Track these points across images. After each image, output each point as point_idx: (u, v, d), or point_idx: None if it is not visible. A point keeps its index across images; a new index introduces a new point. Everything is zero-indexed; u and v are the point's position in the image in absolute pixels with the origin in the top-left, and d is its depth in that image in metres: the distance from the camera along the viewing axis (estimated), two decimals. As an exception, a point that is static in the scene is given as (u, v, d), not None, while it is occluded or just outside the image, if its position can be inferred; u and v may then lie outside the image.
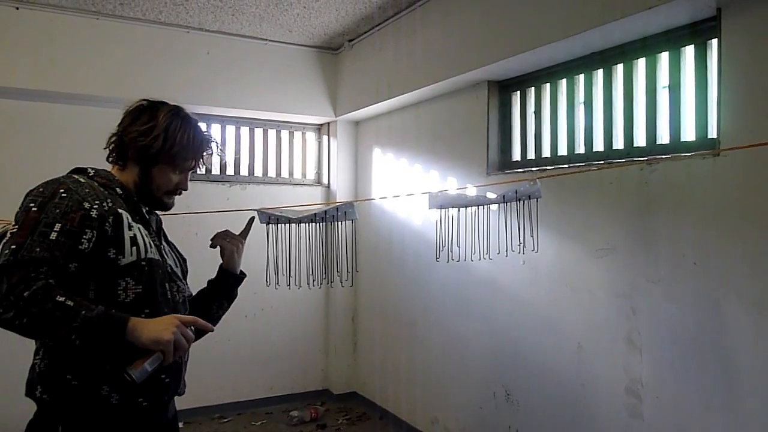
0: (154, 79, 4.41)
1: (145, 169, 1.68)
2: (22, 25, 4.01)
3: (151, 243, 1.64)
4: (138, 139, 1.64)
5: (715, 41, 2.48)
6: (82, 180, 1.58)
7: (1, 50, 3.95)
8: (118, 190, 1.64)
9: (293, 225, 2.47)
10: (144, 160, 1.67)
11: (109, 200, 1.56)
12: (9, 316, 1.32)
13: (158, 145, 1.64)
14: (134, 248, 1.55)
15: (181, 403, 5.17)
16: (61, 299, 1.34)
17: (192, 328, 1.57)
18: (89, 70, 4.21)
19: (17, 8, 3.98)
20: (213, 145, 1.81)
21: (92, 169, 1.69)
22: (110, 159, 1.73)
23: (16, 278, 1.33)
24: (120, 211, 1.56)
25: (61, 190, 1.49)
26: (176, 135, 1.67)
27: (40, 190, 1.51)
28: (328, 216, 2.41)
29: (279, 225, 2.46)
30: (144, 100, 1.74)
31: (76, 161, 4.60)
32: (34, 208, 1.45)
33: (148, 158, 1.66)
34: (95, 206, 1.51)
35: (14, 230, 1.42)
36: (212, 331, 1.73)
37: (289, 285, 2.51)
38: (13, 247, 1.37)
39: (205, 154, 1.79)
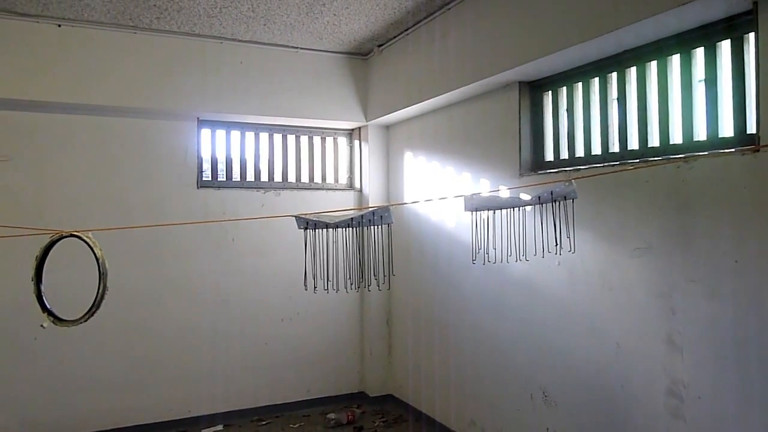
0: (190, 90, 4.53)
1: None
2: (64, 42, 4.16)
3: None
4: None
5: (752, 35, 2.44)
6: None
7: (45, 66, 4.11)
8: None
9: (329, 230, 2.51)
10: None
11: None
12: None
13: None
14: None
15: (220, 406, 5.30)
16: None
17: None
18: (127, 82, 4.34)
19: (59, 26, 4.13)
20: None
21: None
22: None
23: None
24: None
25: None
26: None
27: None
28: (365, 220, 2.44)
29: (315, 231, 2.50)
30: None
31: (112, 170, 4.76)
32: None
33: None
34: None
35: None
36: None
37: (326, 289, 2.55)
38: None
39: None
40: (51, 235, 2.47)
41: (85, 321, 2.44)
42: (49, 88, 4.12)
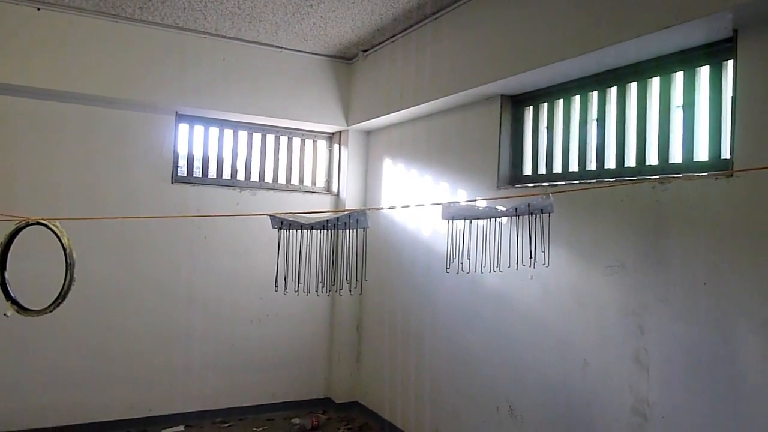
0: (170, 83, 4.46)
1: None
2: (42, 26, 4.06)
3: None
4: None
5: (731, 62, 2.49)
6: None
7: (21, 49, 4.01)
8: None
9: (303, 232, 2.48)
10: None
11: None
12: None
13: None
14: None
15: (182, 406, 5.19)
16: None
17: None
18: (106, 71, 4.26)
19: (38, 9, 4.04)
20: None
21: None
22: None
23: None
24: None
25: None
26: None
27: None
28: (340, 223, 2.42)
29: (289, 232, 2.47)
30: None
31: (86, 160, 4.68)
32: None
33: None
34: None
35: None
36: None
37: (297, 291, 2.52)
38: None
39: None
40: (17, 222, 2.40)
41: (51, 311, 2.37)
42: (24, 72, 4.02)
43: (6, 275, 2.39)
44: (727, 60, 2.54)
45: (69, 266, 2.36)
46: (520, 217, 2.39)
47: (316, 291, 2.52)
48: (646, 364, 2.69)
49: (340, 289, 2.58)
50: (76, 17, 4.15)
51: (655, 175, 2.80)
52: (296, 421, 4.71)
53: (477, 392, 3.76)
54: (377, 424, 4.82)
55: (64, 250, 2.35)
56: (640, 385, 2.71)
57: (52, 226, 2.38)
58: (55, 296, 2.36)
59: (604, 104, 3.15)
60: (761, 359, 2.26)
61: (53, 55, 4.09)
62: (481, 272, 2.76)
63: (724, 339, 2.39)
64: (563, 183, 3.28)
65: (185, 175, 4.89)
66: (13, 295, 2.38)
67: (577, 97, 3.33)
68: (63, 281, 2.34)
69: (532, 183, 3.55)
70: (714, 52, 2.59)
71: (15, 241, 2.41)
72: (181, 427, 4.63)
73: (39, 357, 4.27)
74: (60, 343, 4.34)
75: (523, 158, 3.70)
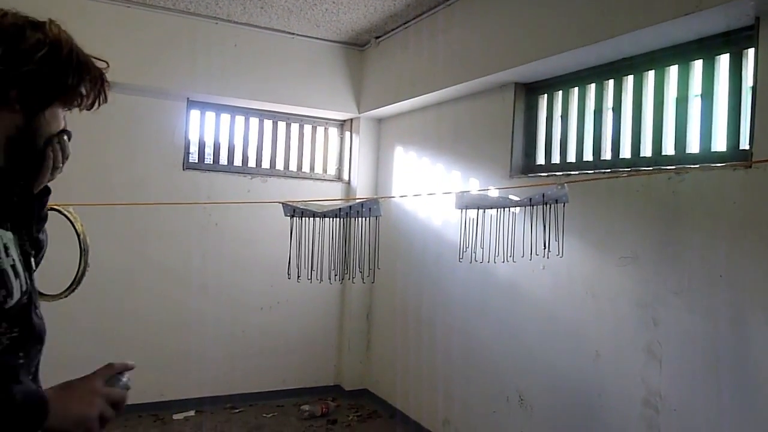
0: (181, 69, 4.45)
1: (34, 114, 1.13)
2: (52, 12, 4.03)
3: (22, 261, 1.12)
4: (41, 70, 1.09)
5: (751, 51, 2.43)
6: None
7: (33, 35, 4.00)
8: None
9: (316, 220, 2.47)
10: (38, 101, 1.13)
11: None
12: None
13: (67, 74, 1.15)
14: (18, 281, 1.06)
15: (193, 391, 5.21)
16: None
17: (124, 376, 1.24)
18: (117, 57, 4.18)
19: (50, -6, 4.02)
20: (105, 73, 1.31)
21: None
22: None
23: None
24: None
25: None
26: (81, 59, 1.20)
27: None
28: (353, 211, 2.41)
29: (302, 219, 2.46)
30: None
31: (96, 146, 4.66)
32: None
33: (46, 96, 1.14)
34: None
35: None
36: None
37: (310, 279, 2.51)
38: None
39: (105, 84, 1.30)
40: (30, 207, 2.40)
41: (65, 297, 2.38)
42: (36, 58, 4.02)
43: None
44: (747, 48, 2.48)
45: (83, 252, 2.36)
46: (534, 206, 2.36)
47: (329, 279, 2.51)
48: (658, 357, 2.66)
49: (353, 278, 2.58)
50: (87, 2, 4.13)
51: (671, 165, 2.76)
52: (306, 407, 4.73)
53: (487, 382, 3.75)
54: (387, 411, 4.84)
55: (78, 236, 2.36)
56: (653, 377, 2.69)
57: (65, 212, 2.38)
58: (69, 282, 2.36)
59: (620, 93, 3.10)
60: (777, 353, 2.23)
61: (65, 41, 4.08)
62: (494, 262, 2.74)
63: (740, 332, 2.36)
64: (577, 172, 3.24)
65: (196, 161, 4.89)
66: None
67: (593, 86, 3.28)
68: (77, 267, 2.35)
69: (545, 172, 3.51)
70: (734, 40, 2.53)
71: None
72: (192, 412, 4.67)
73: (49, 342, 4.30)
74: (70, 328, 4.36)
75: (536, 147, 3.66)
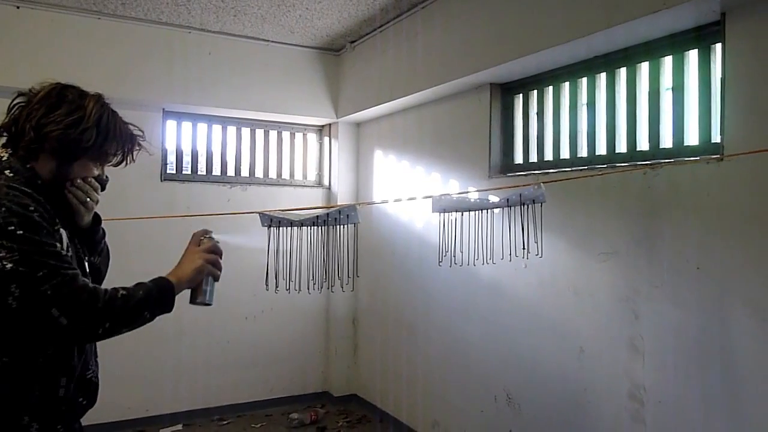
0: (156, 80, 4.41)
1: (65, 163, 1.51)
2: (23, 25, 3.99)
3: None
4: (66, 132, 1.47)
5: (719, 45, 2.47)
6: (14, 185, 1.40)
7: (1, 49, 3.94)
8: (37, 191, 1.45)
9: (294, 228, 2.46)
10: (66, 154, 1.50)
11: (40, 208, 1.40)
12: (107, 327, 1.43)
13: (89, 139, 1.50)
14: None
15: (179, 404, 5.14)
16: (123, 293, 1.48)
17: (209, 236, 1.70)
18: (89, 69, 4.18)
19: (18, 7, 3.97)
20: (139, 139, 1.71)
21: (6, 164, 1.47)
22: (14, 151, 1.50)
23: (86, 295, 1.38)
24: (61, 229, 1.46)
25: (31, 208, 1.37)
26: (109, 127, 1.55)
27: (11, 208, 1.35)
28: (330, 219, 2.39)
29: (280, 228, 2.44)
30: (57, 83, 1.58)
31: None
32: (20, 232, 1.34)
33: (72, 152, 1.50)
34: (44, 221, 1.39)
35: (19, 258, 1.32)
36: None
37: (288, 289, 2.50)
38: (50, 275, 1.34)
39: (135, 148, 1.68)
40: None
41: None
42: (4, 73, 3.94)
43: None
44: (715, 43, 2.52)
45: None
46: (512, 207, 2.37)
47: (308, 289, 2.50)
48: (641, 350, 2.69)
49: (331, 287, 2.57)
50: (57, 15, 4.08)
51: (646, 160, 2.79)
52: (295, 415, 4.71)
53: (474, 382, 3.76)
54: (376, 416, 4.83)
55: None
56: (636, 370, 2.71)
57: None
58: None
59: (594, 90, 3.13)
60: (755, 343, 2.26)
61: (34, 55, 4.02)
62: (474, 265, 2.75)
63: (718, 323, 2.39)
64: (555, 170, 3.26)
65: (174, 172, 4.84)
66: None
67: (567, 84, 3.31)
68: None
69: (523, 171, 3.53)
70: (702, 36, 2.57)
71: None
72: (180, 426, 4.62)
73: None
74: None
75: (514, 147, 3.68)
